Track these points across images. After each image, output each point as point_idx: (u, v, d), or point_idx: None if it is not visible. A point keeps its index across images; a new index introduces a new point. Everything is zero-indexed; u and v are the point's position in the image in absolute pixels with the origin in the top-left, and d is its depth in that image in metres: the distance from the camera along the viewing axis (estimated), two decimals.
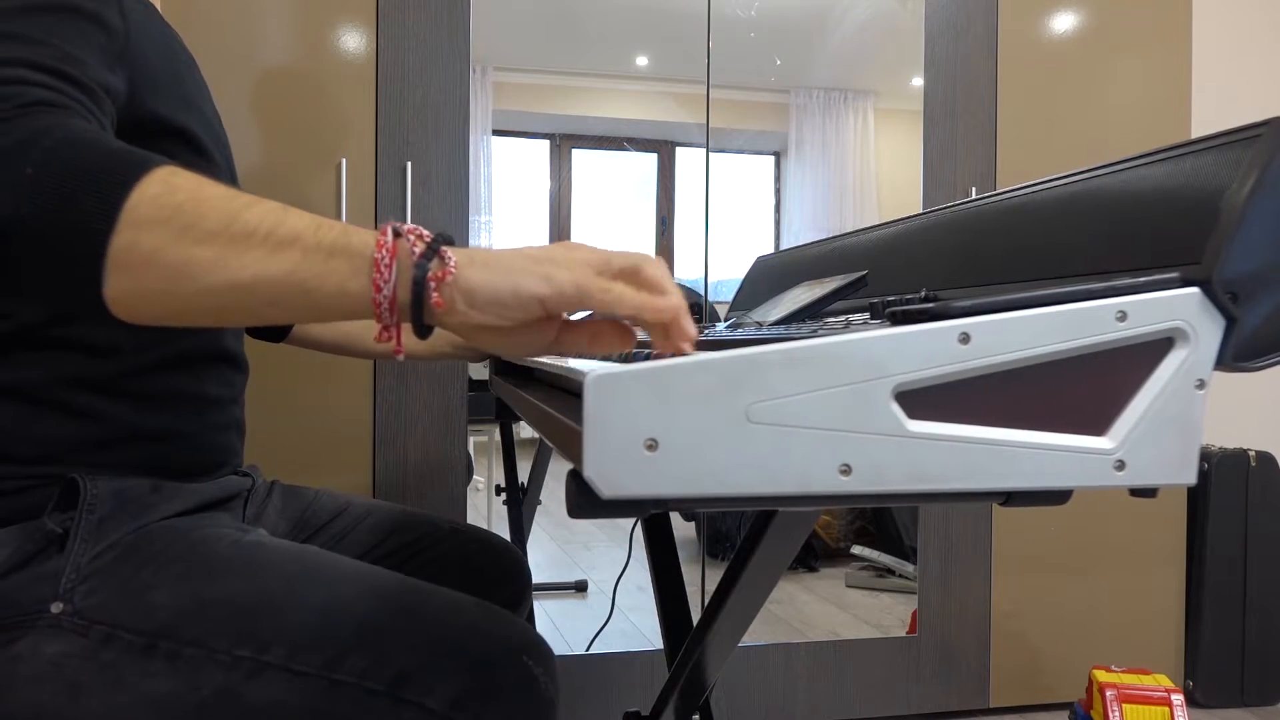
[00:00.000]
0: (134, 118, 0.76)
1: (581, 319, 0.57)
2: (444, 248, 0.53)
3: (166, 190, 0.54)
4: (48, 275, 0.55)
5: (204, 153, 0.86)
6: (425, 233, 0.54)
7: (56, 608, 0.71)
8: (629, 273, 0.53)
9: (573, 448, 0.44)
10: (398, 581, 0.81)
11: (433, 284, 0.52)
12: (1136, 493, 0.50)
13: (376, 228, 0.54)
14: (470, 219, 1.72)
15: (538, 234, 1.88)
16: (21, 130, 0.56)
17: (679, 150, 1.90)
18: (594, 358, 0.61)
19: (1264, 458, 2.06)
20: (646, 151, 1.90)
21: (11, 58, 0.63)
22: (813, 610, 1.99)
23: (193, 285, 0.53)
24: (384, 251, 0.52)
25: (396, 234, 0.53)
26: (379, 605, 0.77)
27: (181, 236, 0.53)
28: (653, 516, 1.20)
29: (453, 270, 0.52)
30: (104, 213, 0.53)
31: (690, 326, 0.53)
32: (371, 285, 0.53)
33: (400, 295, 0.53)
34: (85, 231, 0.53)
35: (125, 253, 0.53)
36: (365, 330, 1.17)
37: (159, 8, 0.85)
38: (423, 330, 0.54)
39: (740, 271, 1.52)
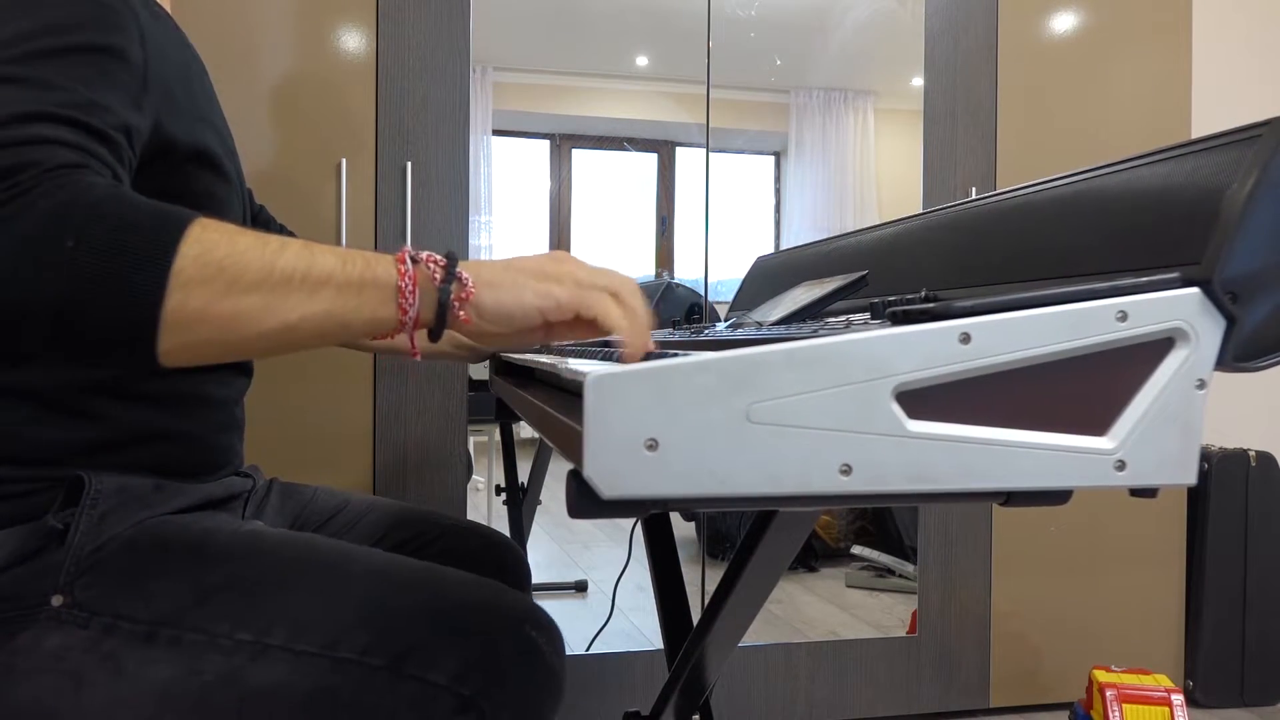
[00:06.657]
0: (156, 146, 0.76)
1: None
2: (458, 269, 0.61)
3: (205, 249, 0.57)
4: (100, 345, 0.57)
5: (220, 170, 0.86)
6: (438, 257, 0.61)
7: (57, 600, 0.71)
8: (610, 292, 0.63)
9: (573, 448, 0.44)
10: (396, 560, 0.81)
11: (456, 304, 0.61)
12: (1136, 493, 0.50)
13: (378, 239, 0.58)
14: (470, 219, 1.72)
15: (538, 234, 1.88)
16: (52, 198, 0.56)
17: (679, 150, 1.90)
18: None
19: (1264, 458, 2.06)
20: (646, 151, 1.90)
21: (30, 112, 0.61)
22: (813, 610, 1.99)
23: (244, 332, 0.58)
24: (407, 280, 0.60)
25: (414, 260, 0.61)
26: (378, 583, 0.77)
27: (228, 291, 0.57)
28: (653, 516, 1.20)
29: (472, 291, 0.61)
30: (154, 284, 0.56)
31: (649, 343, 0.63)
32: (399, 310, 0.60)
33: (424, 315, 0.61)
34: (138, 304, 0.56)
35: (176, 313, 0.56)
36: None
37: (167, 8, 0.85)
38: (437, 338, 0.62)
39: (740, 271, 1.51)
